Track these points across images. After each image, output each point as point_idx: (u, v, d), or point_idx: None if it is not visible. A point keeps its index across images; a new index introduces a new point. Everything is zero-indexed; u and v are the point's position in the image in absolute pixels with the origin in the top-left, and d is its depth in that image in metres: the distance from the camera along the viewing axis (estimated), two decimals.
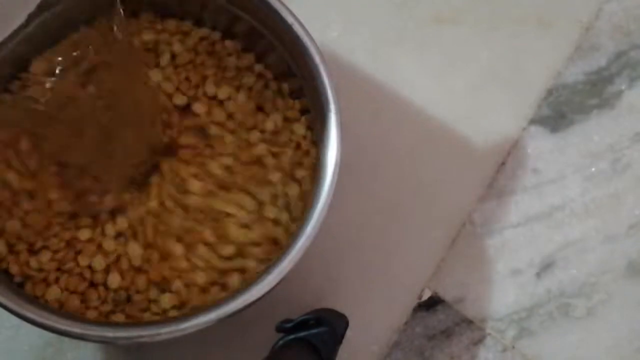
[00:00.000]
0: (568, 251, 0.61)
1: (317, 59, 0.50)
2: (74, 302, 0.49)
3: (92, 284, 0.50)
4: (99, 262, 0.50)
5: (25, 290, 0.49)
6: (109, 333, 0.45)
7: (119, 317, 0.49)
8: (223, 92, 0.54)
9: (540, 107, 0.63)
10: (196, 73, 0.54)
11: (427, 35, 0.64)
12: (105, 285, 0.50)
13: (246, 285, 0.47)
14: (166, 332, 0.45)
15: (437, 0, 0.65)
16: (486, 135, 0.63)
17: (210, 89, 0.54)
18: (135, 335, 0.46)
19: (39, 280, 0.49)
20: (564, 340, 0.59)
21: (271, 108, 0.54)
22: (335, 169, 0.48)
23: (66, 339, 0.48)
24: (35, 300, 0.48)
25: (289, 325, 0.53)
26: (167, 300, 0.50)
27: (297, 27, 0.50)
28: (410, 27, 0.65)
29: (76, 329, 0.45)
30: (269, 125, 0.53)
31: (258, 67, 0.55)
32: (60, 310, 0.49)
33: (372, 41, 0.64)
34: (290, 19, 0.50)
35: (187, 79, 0.54)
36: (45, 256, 0.50)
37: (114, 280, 0.50)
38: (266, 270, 0.47)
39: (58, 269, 0.50)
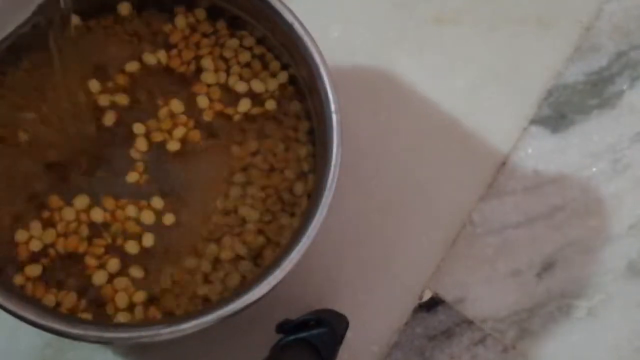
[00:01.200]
0: (568, 251, 0.61)
1: (317, 59, 0.50)
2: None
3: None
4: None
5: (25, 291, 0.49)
6: (109, 333, 0.45)
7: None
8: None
9: (541, 107, 0.63)
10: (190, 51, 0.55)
11: (427, 35, 0.64)
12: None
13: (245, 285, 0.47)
14: (166, 332, 0.45)
15: (437, 1, 0.65)
16: (486, 135, 0.63)
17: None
18: (135, 335, 0.46)
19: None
20: (565, 341, 0.59)
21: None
22: (335, 169, 0.48)
23: (65, 340, 0.48)
24: (34, 301, 0.48)
25: (289, 325, 0.53)
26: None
27: (297, 27, 0.50)
28: (411, 27, 0.65)
29: (75, 329, 0.45)
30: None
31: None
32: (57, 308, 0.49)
33: (372, 41, 0.64)
34: (290, 19, 0.50)
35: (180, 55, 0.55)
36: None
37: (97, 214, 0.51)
38: (266, 271, 0.47)
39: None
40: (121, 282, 0.50)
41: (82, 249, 0.50)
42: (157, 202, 0.52)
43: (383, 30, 0.64)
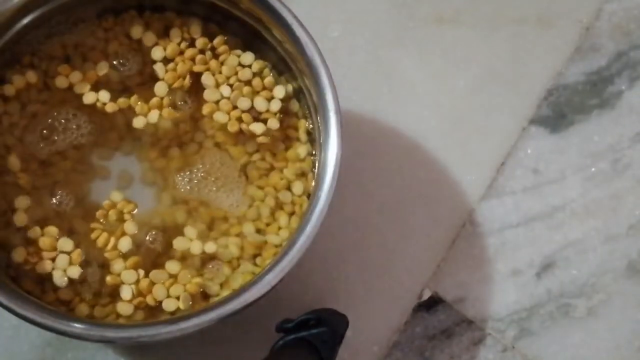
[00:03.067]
0: (568, 251, 0.61)
1: (317, 59, 0.50)
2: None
3: None
4: None
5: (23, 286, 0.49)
6: (109, 333, 0.45)
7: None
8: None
9: (541, 107, 0.63)
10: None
11: (427, 35, 0.64)
12: None
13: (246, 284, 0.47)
14: (166, 332, 0.45)
15: (437, 1, 0.65)
16: (486, 135, 0.63)
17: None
18: (135, 335, 0.46)
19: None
20: (565, 341, 0.59)
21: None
22: (335, 169, 0.48)
23: (66, 339, 0.48)
24: (35, 299, 0.48)
25: (289, 325, 0.53)
26: None
27: (297, 27, 0.50)
28: (411, 27, 0.65)
29: (76, 328, 0.45)
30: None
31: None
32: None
33: (372, 41, 0.64)
34: (290, 19, 0.50)
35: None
36: None
37: None
38: (266, 270, 0.47)
39: None
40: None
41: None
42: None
43: (383, 30, 0.64)
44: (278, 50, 0.53)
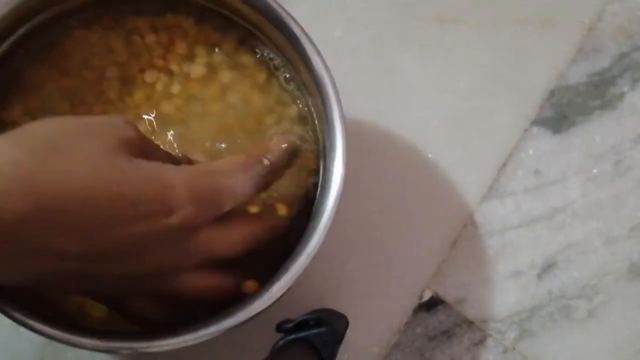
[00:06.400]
0: (569, 252, 0.61)
1: (318, 60, 0.49)
2: None
3: None
4: None
5: None
6: (104, 343, 0.45)
7: None
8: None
9: (543, 108, 0.63)
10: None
11: (429, 36, 0.64)
12: None
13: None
14: (166, 344, 0.45)
15: (439, 1, 0.65)
16: (488, 136, 0.62)
17: None
18: (133, 346, 0.46)
19: None
20: (565, 342, 0.59)
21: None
22: (341, 183, 0.47)
23: None
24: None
25: (289, 325, 0.53)
26: None
27: (297, 28, 0.50)
28: (413, 27, 0.65)
29: (73, 337, 0.45)
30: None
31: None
32: None
33: (373, 42, 0.64)
34: (290, 20, 0.50)
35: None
36: None
37: None
38: (263, 288, 0.46)
39: None
40: None
41: None
42: None
43: (384, 31, 0.64)
44: (278, 52, 0.53)
